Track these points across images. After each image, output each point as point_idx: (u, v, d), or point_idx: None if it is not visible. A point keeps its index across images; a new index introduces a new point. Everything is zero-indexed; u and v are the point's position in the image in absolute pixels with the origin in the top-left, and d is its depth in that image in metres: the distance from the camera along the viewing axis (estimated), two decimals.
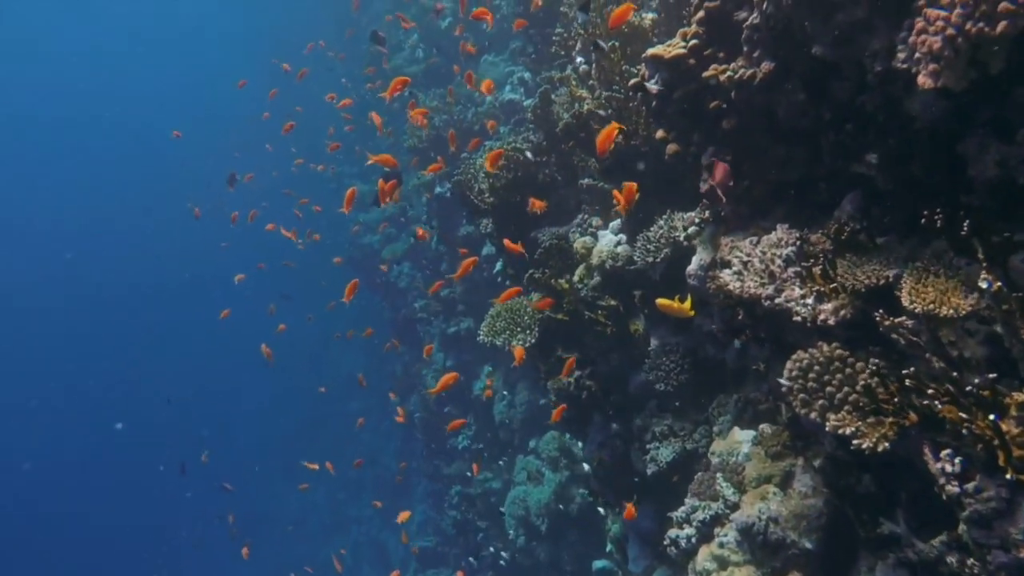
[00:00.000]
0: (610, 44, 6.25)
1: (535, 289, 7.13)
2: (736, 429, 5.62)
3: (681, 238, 5.48)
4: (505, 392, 11.78)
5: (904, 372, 2.91)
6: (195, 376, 35.11)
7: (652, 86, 4.20)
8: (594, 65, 6.61)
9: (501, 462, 12.81)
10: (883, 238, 3.54)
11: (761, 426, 5.34)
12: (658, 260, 5.56)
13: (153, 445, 32.17)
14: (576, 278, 7.00)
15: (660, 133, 4.45)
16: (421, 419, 15.14)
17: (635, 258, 5.80)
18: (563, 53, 7.09)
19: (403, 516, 8.70)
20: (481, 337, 7.11)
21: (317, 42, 16.19)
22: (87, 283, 42.82)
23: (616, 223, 6.95)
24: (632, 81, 4.61)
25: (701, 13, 4.12)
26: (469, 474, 12.87)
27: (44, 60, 44.96)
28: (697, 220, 5.52)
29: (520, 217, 7.79)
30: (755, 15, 3.60)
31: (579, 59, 5.83)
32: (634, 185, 5.08)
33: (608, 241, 6.94)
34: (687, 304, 4.22)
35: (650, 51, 4.24)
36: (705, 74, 4.06)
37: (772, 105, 3.85)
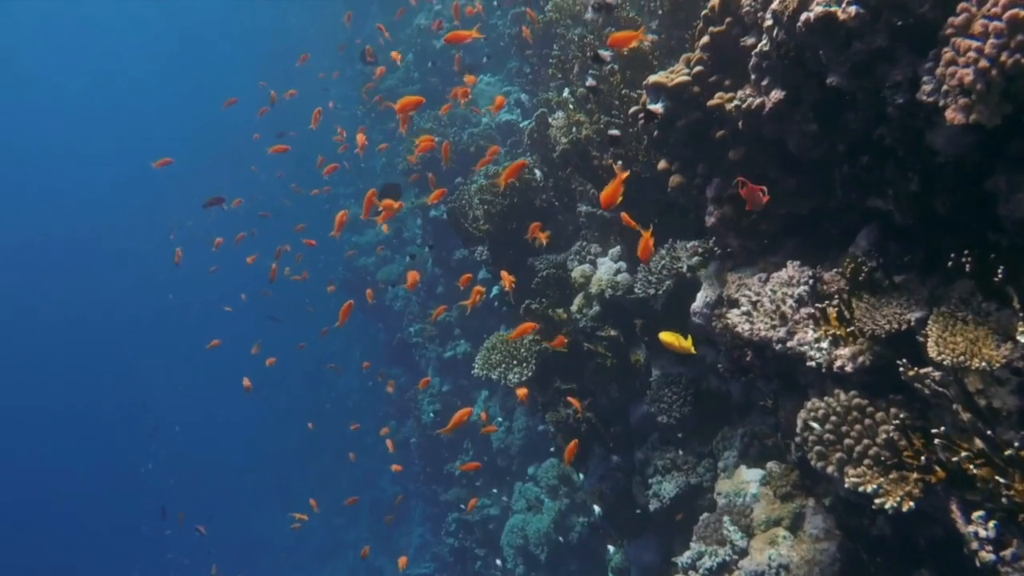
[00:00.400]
0: (608, 67, 6.07)
1: (532, 320, 6.90)
2: (743, 468, 5.38)
3: (684, 269, 5.27)
4: (500, 418, 11.52)
5: (934, 432, 2.68)
6: (184, 399, 34.50)
7: (657, 107, 3.99)
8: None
9: (495, 491, 12.53)
10: (901, 276, 3.32)
11: (769, 464, 5.10)
12: (660, 292, 5.34)
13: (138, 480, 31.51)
14: (575, 308, 6.77)
15: (663, 163, 4.25)
16: (417, 444, 14.86)
17: (636, 289, 5.58)
18: (559, 76, 6.91)
19: (402, 562, 8.48)
20: (476, 370, 6.88)
21: (321, 73, 16.07)
22: (70, 303, 42.03)
23: (616, 250, 6.75)
24: (633, 109, 4.41)
25: (705, 38, 3.92)
26: (463, 507, 12.59)
27: (33, 80, 44.62)
28: (700, 250, 5.30)
29: (516, 244, 7.58)
30: (764, 42, 3.40)
31: (589, 80, 5.62)
32: (650, 242, 4.87)
33: (608, 269, 6.72)
34: (689, 342, 3.99)
35: (652, 78, 4.04)
36: (710, 102, 3.86)
37: (782, 135, 3.64)
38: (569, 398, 6.38)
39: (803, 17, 2.95)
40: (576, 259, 7.04)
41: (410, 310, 14.85)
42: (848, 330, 3.24)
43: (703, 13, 3.95)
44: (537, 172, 7.28)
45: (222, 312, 14.36)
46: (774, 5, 3.21)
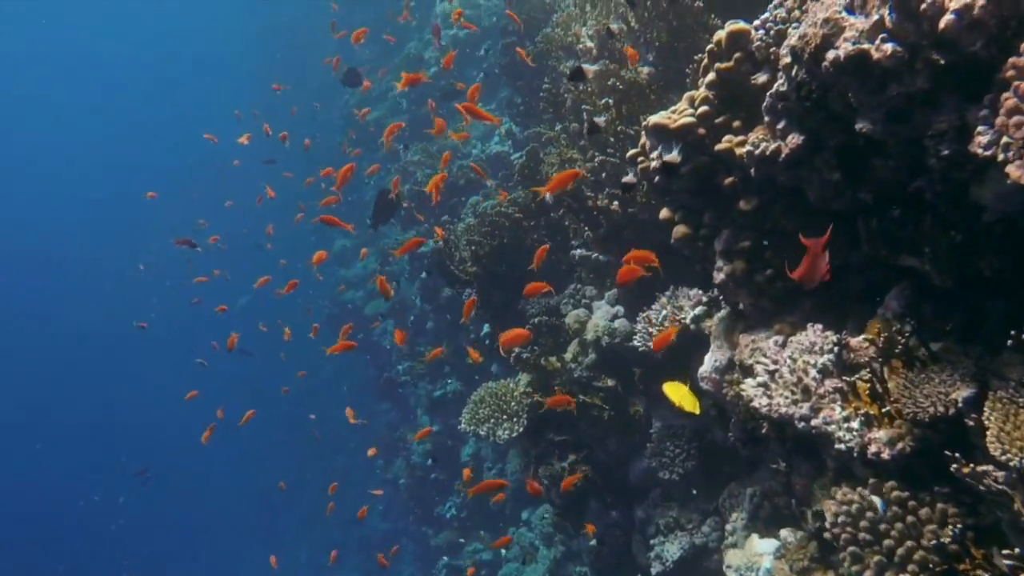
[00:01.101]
0: (604, 101, 5.70)
1: (523, 370, 6.48)
2: (754, 537, 4.92)
3: (687, 320, 4.85)
4: (490, 463, 11.05)
5: (1005, 554, 2.25)
6: (160, 431, 33.38)
7: (674, 156, 3.59)
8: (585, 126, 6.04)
9: (483, 532, 12.03)
10: (939, 344, 2.92)
11: (783, 533, 4.63)
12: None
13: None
14: (569, 356, 6.35)
15: (665, 212, 3.85)
16: (407, 486, 14.33)
17: (636, 341, 5.16)
18: (550, 110, 6.55)
19: None
20: (463, 426, 6.44)
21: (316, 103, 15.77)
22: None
23: (612, 293, 6.34)
24: (632, 152, 4.02)
25: (711, 76, 3.54)
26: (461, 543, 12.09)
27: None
28: (704, 299, 4.90)
29: (506, 286, 7.17)
30: (781, 81, 3.01)
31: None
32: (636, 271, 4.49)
33: (604, 314, 6.31)
34: (693, 398, 3.58)
35: (653, 119, 3.65)
36: (718, 147, 3.47)
37: (799, 184, 3.25)
38: (570, 479, 5.99)
39: (830, 56, 2.57)
40: (570, 303, 6.64)
41: (399, 347, 14.39)
42: (883, 409, 2.82)
43: (708, 48, 3.58)
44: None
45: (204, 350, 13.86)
46: (792, 41, 2.83)
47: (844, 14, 2.63)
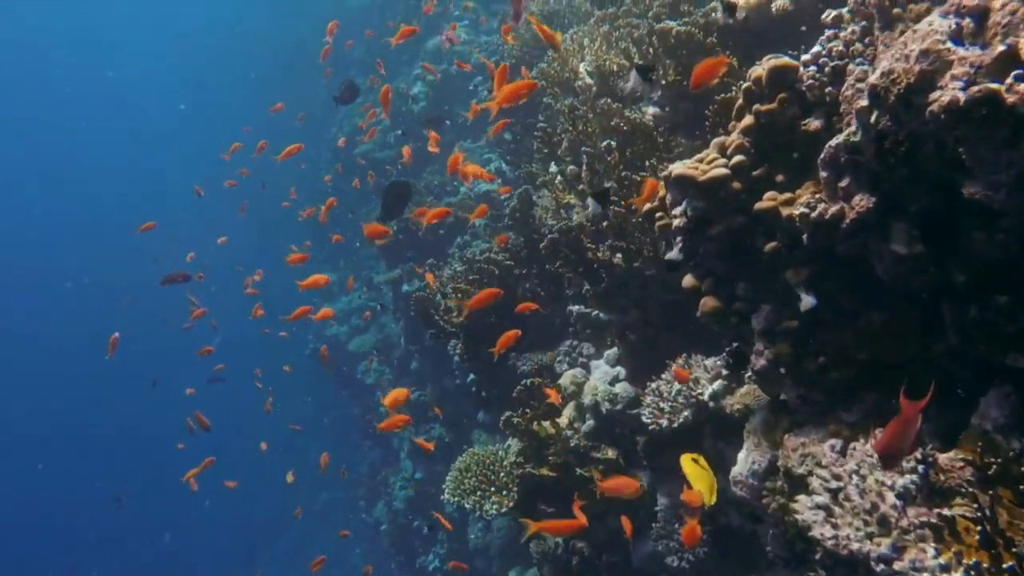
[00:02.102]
0: (605, 144, 5.00)
1: (513, 435, 5.70)
2: None
3: (705, 397, 4.12)
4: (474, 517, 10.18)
5: None
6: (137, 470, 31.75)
7: (681, 213, 2.87)
8: (585, 167, 5.35)
9: None
10: None
11: None
12: (675, 425, 4.18)
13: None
14: (564, 421, 5.58)
15: (690, 280, 3.11)
16: (388, 532, 13.41)
17: (644, 418, 4.41)
18: (545, 150, 5.85)
19: None
20: (446, 496, 5.64)
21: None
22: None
23: (612, 352, 5.60)
24: (647, 207, 3.30)
25: (748, 119, 2.84)
26: None
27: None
28: (724, 372, 4.17)
29: (494, 339, 6.42)
30: (853, 130, 2.31)
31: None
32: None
33: (603, 375, 5.56)
34: (712, 493, 2.85)
35: (677, 169, 2.93)
36: (759, 205, 2.75)
37: (864, 254, 2.54)
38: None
39: (938, 99, 1.87)
40: (566, 360, 5.89)
41: (382, 387, 13.56)
42: (992, 555, 2.08)
43: (744, 86, 2.87)
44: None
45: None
46: (873, 79, 2.13)
47: (950, 45, 1.94)
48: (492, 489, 5.42)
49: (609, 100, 5.08)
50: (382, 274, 11.82)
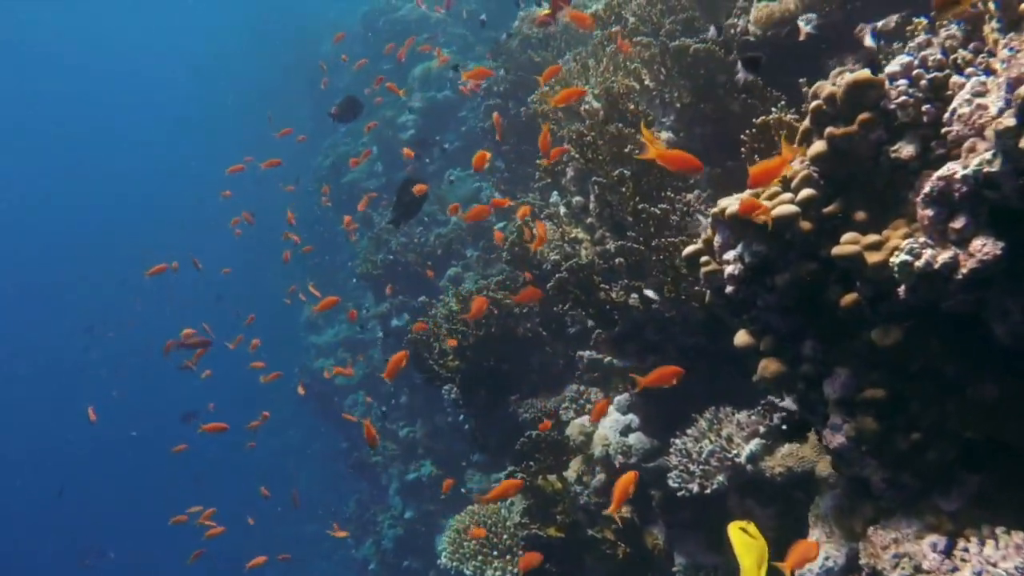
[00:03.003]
0: (618, 173, 4.46)
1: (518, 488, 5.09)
2: None
3: (742, 459, 3.54)
4: None
5: None
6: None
7: (736, 258, 2.32)
8: (593, 199, 4.80)
9: None
10: None
11: None
12: (707, 491, 3.60)
13: None
14: (572, 475, 4.99)
15: (744, 338, 2.54)
16: (376, 573, 12.65)
17: (672, 483, 3.82)
18: (548, 179, 5.31)
19: None
20: (443, 561, 5.01)
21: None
22: None
23: (623, 398, 5.00)
24: (690, 250, 2.74)
25: (819, 145, 2.29)
26: None
27: None
28: (762, 429, 3.60)
29: (492, 383, 5.83)
30: (986, 157, 1.76)
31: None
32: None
33: (614, 424, 4.97)
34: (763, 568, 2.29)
35: (730, 207, 2.38)
36: (838, 250, 2.20)
37: (978, 313, 1.99)
38: None
39: None
40: (572, 407, 5.30)
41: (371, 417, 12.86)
42: None
43: (812, 106, 2.33)
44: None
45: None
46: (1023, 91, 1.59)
47: None
48: (495, 554, 4.79)
49: (620, 125, 4.54)
50: (371, 308, 11.20)
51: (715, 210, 2.48)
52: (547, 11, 5.30)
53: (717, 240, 2.55)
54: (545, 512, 4.92)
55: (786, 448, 3.51)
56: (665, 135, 4.77)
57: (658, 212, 4.05)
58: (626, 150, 4.33)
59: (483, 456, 7.86)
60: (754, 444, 3.55)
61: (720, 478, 3.55)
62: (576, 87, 3.87)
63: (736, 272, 2.42)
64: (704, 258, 2.65)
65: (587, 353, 4.77)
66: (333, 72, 14.48)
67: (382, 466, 11.78)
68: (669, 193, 4.18)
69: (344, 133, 14.67)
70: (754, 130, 3.29)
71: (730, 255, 2.45)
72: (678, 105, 4.70)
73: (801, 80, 3.21)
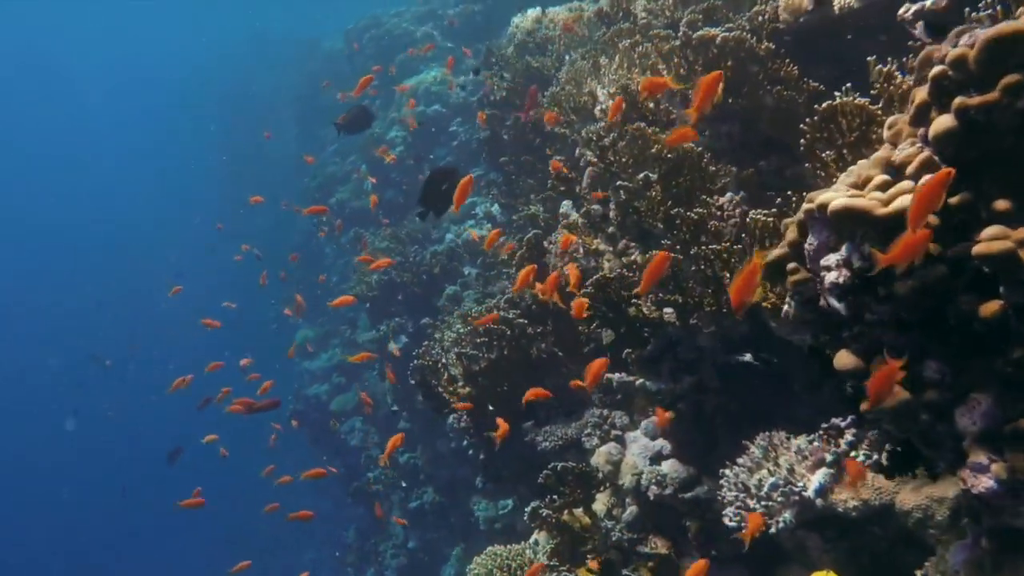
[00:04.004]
0: (642, 176, 4.00)
1: (540, 528, 4.58)
2: None
3: (810, 493, 3.06)
4: None
5: None
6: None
7: (841, 263, 1.86)
8: (614, 206, 4.32)
9: None
10: None
11: None
12: (772, 531, 3.11)
13: None
14: (601, 508, 4.48)
15: (848, 359, 2.05)
16: None
17: (728, 520, 3.32)
18: (562, 187, 4.83)
19: None
20: None
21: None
22: None
23: (651, 421, 4.52)
24: (775, 254, 2.27)
25: (945, 120, 1.83)
26: None
27: None
28: (828, 457, 3.12)
29: (505, 409, 5.32)
30: None
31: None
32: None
33: (642, 450, 4.48)
34: None
35: (835, 202, 1.90)
36: (980, 249, 1.73)
37: None
38: None
39: None
40: (595, 434, 4.78)
41: (368, 450, 12.28)
42: None
43: (934, 72, 1.87)
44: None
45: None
46: None
47: None
48: None
49: (643, 125, 4.08)
50: (366, 332, 10.65)
51: (810, 205, 2.00)
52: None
53: (811, 242, 2.07)
54: (574, 551, 4.40)
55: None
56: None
57: (695, 216, 3.58)
58: (654, 150, 3.87)
59: (495, 486, 7.33)
60: (821, 475, 3.07)
61: (787, 515, 3.06)
62: (662, 77, 3.46)
63: (840, 280, 1.95)
64: (791, 265, 2.17)
65: (616, 375, 4.28)
66: (324, 89, 14.00)
67: (383, 494, 11.17)
68: (704, 197, 3.71)
69: (333, 152, 14.17)
70: (816, 118, 2.84)
71: (831, 259, 1.97)
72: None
73: (870, 58, 2.76)
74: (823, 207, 1.95)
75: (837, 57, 4.01)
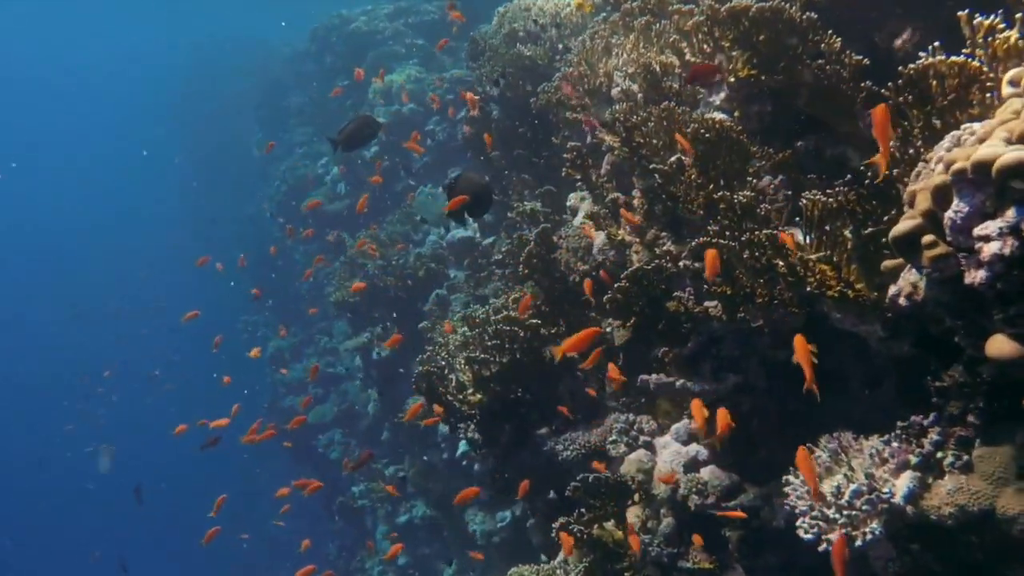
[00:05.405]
0: (675, 158, 3.67)
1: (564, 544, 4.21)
2: None
3: (898, 499, 2.74)
4: None
5: None
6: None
7: (1009, 230, 1.54)
8: (640, 194, 3.99)
9: None
10: None
11: None
12: (858, 543, 2.79)
13: None
14: (634, 520, 4.13)
15: (1008, 346, 1.74)
16: None
17: (805, 534, 2.98)
18: (577, 176, 4.49)
19: None
20: None
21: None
22: None
23: (683, 426, 4.19)
24: (904, 227, 1.93)
25: None
26: None
27: None
28: (913, 459, 2.81)
29: (517, 417, 4.96)
30: None
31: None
32: None
33: (674, 456, 4.14)
34: None
35: (1007, 155, 1.58)
36: None
37: None
38: None
39: None
40: (622, 440, 4.43)
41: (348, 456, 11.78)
42: None
43: None
44: None
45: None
46: None
47: None
48: None
49: (671, 104, 3.75)
50: (349, 339, 10.17)
51: (962, 164, 1.67)
52: None
53: (957, 209, 1.74)
54: (608, 570, 4.05)
55: (950, 482, 2.74)
56: (717, 116, 4.00)
57: (743, 200, 3.25)
58: (690, 130, 3.54)
59: (506, 498, 6.93)
60: (909, 479, 2.75)
61: (874, 525, 2.74)
62: (710, 63, 3.15)
63: (1007, 252, 1.62)
64: (928, 237, 1.84)
65: (653, 377, 3.92)
66: (289, 92, 13.49)
67: (368, 511, 10.69)
68: (750, 180, 3.40)
69: (301, 155, 13.65)
70: (900, 81, 2.53)
71: (990, 227, 1.65)
72: (732, 79, 3.92)
73: (961, 12, 2.46)
74: (981, 165, 1.62)
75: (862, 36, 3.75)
